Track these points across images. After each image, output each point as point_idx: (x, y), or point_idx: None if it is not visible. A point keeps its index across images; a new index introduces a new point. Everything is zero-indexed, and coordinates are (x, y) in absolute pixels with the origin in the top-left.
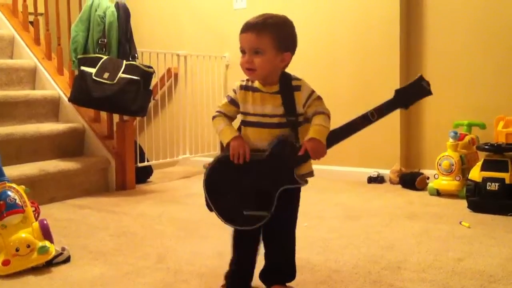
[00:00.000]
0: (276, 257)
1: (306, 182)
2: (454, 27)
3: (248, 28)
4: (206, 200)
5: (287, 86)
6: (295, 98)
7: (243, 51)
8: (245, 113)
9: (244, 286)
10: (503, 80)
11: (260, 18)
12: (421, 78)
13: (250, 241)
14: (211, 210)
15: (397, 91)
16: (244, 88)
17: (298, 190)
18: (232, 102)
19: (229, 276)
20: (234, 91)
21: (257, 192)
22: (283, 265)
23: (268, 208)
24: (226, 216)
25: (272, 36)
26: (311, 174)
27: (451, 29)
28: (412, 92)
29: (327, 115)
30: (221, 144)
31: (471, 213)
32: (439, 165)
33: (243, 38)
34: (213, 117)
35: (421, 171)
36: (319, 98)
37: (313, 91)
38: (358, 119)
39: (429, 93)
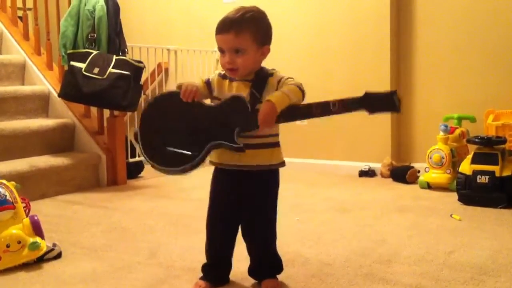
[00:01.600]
0: (257, 252)
1: (242, 149)
2: (443, 22)
3: (226, 28)
4: (136, 131)
5: (262, 73)
6: (267, 82)
7: (222, 51)
8: (218, 99)
9: (220, 278)
10: (493, 74)
11: (236, 14)
12: (393, 93)
13: (225, 234)
14: (137, 141)
15: (366, 93)
16: (222, 76)
17: (273, 179)
18: (208, 83)
19: (205, 270)
20: (213, 78)
21: (191, 135)
22: (265, 258)
23: (195, 151)
24: (149, 151)
25: (251, 33)
26: (282, 164)
27: (441, 24)
28: (380, 102)
29: (298, 88)
30: None
31: (462, 205)
32: (430, 158)
33: (221, 39)
34: None
35: (412, 164)
36: (291, 78)
37: (286, 76)
38: (317, 104)
39: (396, 109)
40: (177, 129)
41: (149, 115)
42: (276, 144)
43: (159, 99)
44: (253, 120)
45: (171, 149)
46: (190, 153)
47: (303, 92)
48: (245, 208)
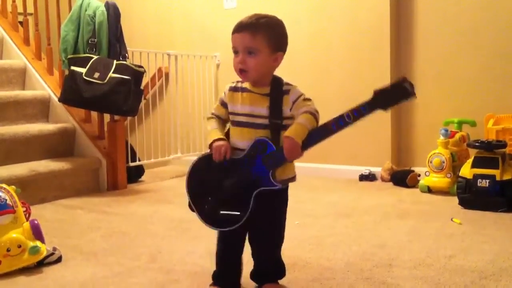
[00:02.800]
0: (263, 259)
1: (284, 184)
2: (444, 26)
3: (242, 28)
4: (189, 201)
5: (278, 90)
6: (283, 101)
7: (236, 51)
8: (233, 113)
9: (232, 285)
10: (493, 78)
11: (253, 18)
12: (403, 80)
13: (235, 240)
14: (192, 210)
15: (375, 92)
16: (233, 89)
17: (284, 191)
18: (222, 103)
19: (216, 276)
20: (224, 93)
21: (235, 193)
22: (271, 264)
23: (244, 209)
24: (206, 216)
25: (266, 36)
26: (293, 179)
27: (441, 28)
28: (392, 94)
29: (313, 115)
30: None
31: (462, 209)
32: (430, 162)
33: (236, 38)
34: (207, 119)
35: (412, 168)
36: (307, 99)
37: (302, 94)
38: (333, 121)
39: (411, 95)
40: (219, 189)
41: (192, 183)
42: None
43: (195, 165)
44: (281, 157)
45: (223, 212)
46: (239, 213)
47: (317, 118)
48: (257, 217)
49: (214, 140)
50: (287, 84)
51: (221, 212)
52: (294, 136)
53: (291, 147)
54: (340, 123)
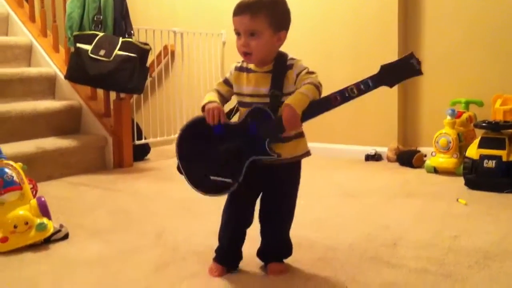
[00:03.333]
0: (272, 236)
1: (278, 155)
2: (452, 5)
3: (242, 9)
4: (178, 163)
5: (281, 65)
6: (287, 76)
7: (238, 33)
8: (239, 94)
9: (234, 262)
10: (501, 58)
11: None
12: (411, 56)
13: (241, 219)
14: (181, 173)
15: (382, 67)
16: (239, 69)
17: (296, 169)
18: (226, 82)
19: (218, 254)
20: (230, 72)
21: (227, 159)
22: (279, 243)
23: (236, 176)
24: (194, 180)
25: (267, 16)
26: (307, 154)
27: (449, 6)
28: (399, 70)
29: (316, 86)
30: None
31: (468, 190)
32: (437, 142)
33: (237, 21)
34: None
35: (419, 148)
36: (310, 72)
37: (306, 68)
38: (336, 94)
39: (418, 72)
40: (211, 154)
41: (183, 146)
42: (300, 135)
43: (187, 128)
44: (279, 127)
45: (214, 178)
46: (231, 180)
47: (319, 90)
48: (267, 195)
49: (207, 103)
50: (291, 58)
51: (211, 177)
52: (294, 105)
53: (290, 116)
54: (344, 95)
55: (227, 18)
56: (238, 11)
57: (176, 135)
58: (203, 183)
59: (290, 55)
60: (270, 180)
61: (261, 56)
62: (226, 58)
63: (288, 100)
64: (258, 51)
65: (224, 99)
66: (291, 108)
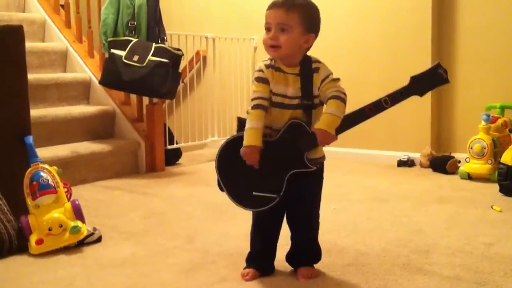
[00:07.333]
0: (301, 240)
1: (317, 166)
2: (487, 7)
3: (277, 4)
4: (218, 180)
5: (308, 69)
6: (313, 81)
7: (268, 28)
8: (276, 94)
9: (266, 266)
10: None
11: None
12: (438, 66)
13: (270, 223)
14: (222, 190)
15: (412, 78)
16: (271, 67)
17: (320, 173)
18: (264, 81)
19: (250, 257)
20: (261, 70)
21: (267, 174)
22: (308, 247)
23: (278, 190)
24: (236, 196)
25: (300, 15)
26: (323, 158)
27: (484, 9)
28: (428, 80)
29: (341, 100)
30: None
31: (503, 197)
32: (471, 148)
33: (270, 14)
34: (251, 108)
35: (452, 154)
36: (335, 79)
37: (330, 73)
38: (370, 105)
39: (445, 81)
40: (252, 170)
41: (223, 163)
42: None
43: (227, 145)
44: (314, 142)
45: (256, 193)
46: (274, 195)
47: (345, 102)
48: (293, 198)
49: (245, 147)
50: (316, 61)
51: (254, 193)
52: (327, 128)
53: (324, 140)
54: (378, 106)
55: (259, 23)
56: (273, 5)
57: (208, 140)
58: (245, 199)
59: (314, 57)
60: (296, 183)
61: (288, 52)
62: (258, 63)
63: (319, 125)
64: (286, 45)
65: (267, 108)
66: (323, 132)
